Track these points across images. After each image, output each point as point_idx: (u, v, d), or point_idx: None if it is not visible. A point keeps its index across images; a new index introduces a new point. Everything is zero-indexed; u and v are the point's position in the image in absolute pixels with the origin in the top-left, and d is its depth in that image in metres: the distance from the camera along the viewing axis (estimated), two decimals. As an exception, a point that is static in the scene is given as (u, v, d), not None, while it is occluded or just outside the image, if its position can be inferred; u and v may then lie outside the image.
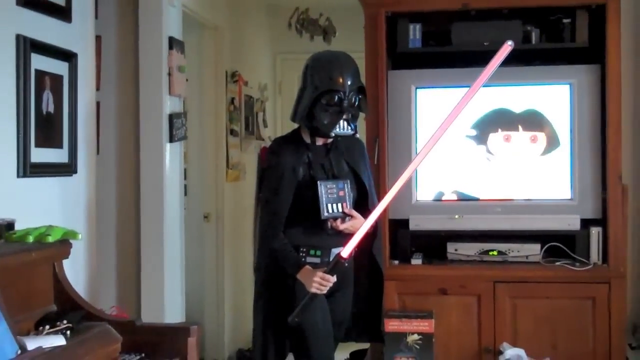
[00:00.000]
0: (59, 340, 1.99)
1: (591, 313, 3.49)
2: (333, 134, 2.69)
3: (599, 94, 3.57)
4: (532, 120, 3.64)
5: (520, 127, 3.66)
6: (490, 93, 3.54)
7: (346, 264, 2.59)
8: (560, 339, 3.50)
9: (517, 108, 3.65)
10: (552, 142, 3.64)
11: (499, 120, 3.66)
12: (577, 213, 3.58)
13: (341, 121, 2.66)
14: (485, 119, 3.66)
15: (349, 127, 2.69)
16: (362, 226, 2.57)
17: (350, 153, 2.83)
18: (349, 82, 2.67)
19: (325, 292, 2.60)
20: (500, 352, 3.40)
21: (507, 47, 2.33)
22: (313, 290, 2.58)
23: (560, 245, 3.63)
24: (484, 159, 3.67)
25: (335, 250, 2.72)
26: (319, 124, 2.68)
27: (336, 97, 2.66)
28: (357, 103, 2.71)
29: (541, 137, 3.65)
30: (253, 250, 5.75)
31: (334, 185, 2.70)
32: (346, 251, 2.55)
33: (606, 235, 3.52)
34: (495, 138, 3.66)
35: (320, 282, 2.56)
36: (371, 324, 2.94)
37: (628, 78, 3.81)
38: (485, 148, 3.67)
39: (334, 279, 2.59)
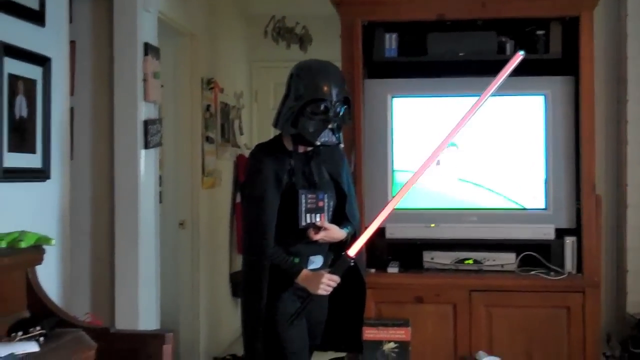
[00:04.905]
0: (32, 347, 1.97)
1: (566, 322, 3.52)
2: (318, 143, 2.68)
3: (572, 105, 3.62)
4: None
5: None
6: (467, 104, 3.55)
7: (352, 263, 2.66)
8: (535, 348, 3.52)
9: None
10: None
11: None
12: (552, 223, 3.61)
13: (327, 130, 2.67)
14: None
15: (334, 137, 2.70)
16: (366, 230, 2.67)
17: (331, 161, 2.83)
18: (335, 92, 2.66)
19: (329, 293, 2.66)
20: (476, 361, 3.42)
21: (519, 56, 2.33)
22: (320, 292, 2.63)
23: (535, 254, 3.66)
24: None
25: (312, 258, 2.73)
26: (305, 132, 2.66)
27: (322, 106, 2.65)
28: (341, 113, 2.71)
29: None
30: (229, 257, 5.72)
31: (314, 196, 2.71)
32: (353, 250, 2.64)
33: (580, 244, 3.56)
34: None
35: (328, 284, 2.63)
36: (350, 334, 2.92)
37: (601, 89, 3.86)
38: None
39: (339, 279, 2.66)
